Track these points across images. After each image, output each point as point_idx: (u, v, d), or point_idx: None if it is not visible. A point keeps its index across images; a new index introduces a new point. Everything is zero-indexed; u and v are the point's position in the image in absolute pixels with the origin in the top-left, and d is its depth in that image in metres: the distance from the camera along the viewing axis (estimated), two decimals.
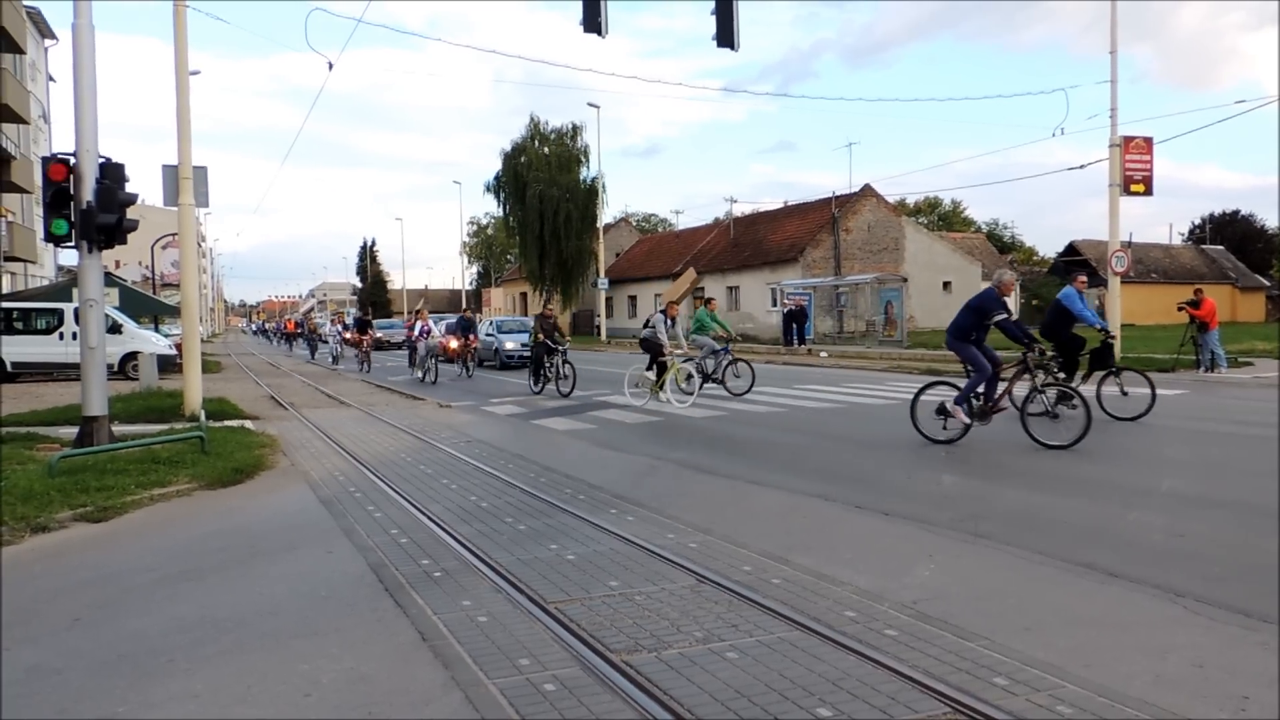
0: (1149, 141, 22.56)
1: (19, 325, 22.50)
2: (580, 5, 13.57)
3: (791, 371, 23.23)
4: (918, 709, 3.49)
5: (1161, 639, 4.22)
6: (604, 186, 51.20)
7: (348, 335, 40.51)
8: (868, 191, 43.71)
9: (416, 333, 23.17)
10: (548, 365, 17.76)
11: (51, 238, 10.03)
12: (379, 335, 42.81)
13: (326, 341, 37.71)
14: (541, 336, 17.99)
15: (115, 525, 7.22)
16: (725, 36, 13.71)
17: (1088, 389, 11.34)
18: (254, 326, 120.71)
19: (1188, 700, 3.55)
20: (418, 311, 28.19)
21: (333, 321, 39.37)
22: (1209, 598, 4.71)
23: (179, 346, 19.64)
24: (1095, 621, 4.46)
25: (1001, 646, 4.09)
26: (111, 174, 9.99)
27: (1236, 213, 66.24)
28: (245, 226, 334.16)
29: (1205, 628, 4.35)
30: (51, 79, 45.94)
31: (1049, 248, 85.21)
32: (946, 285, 45.59)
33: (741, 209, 53.80)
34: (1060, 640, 4.18)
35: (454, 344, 23.82)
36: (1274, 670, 3.80)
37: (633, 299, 56.66)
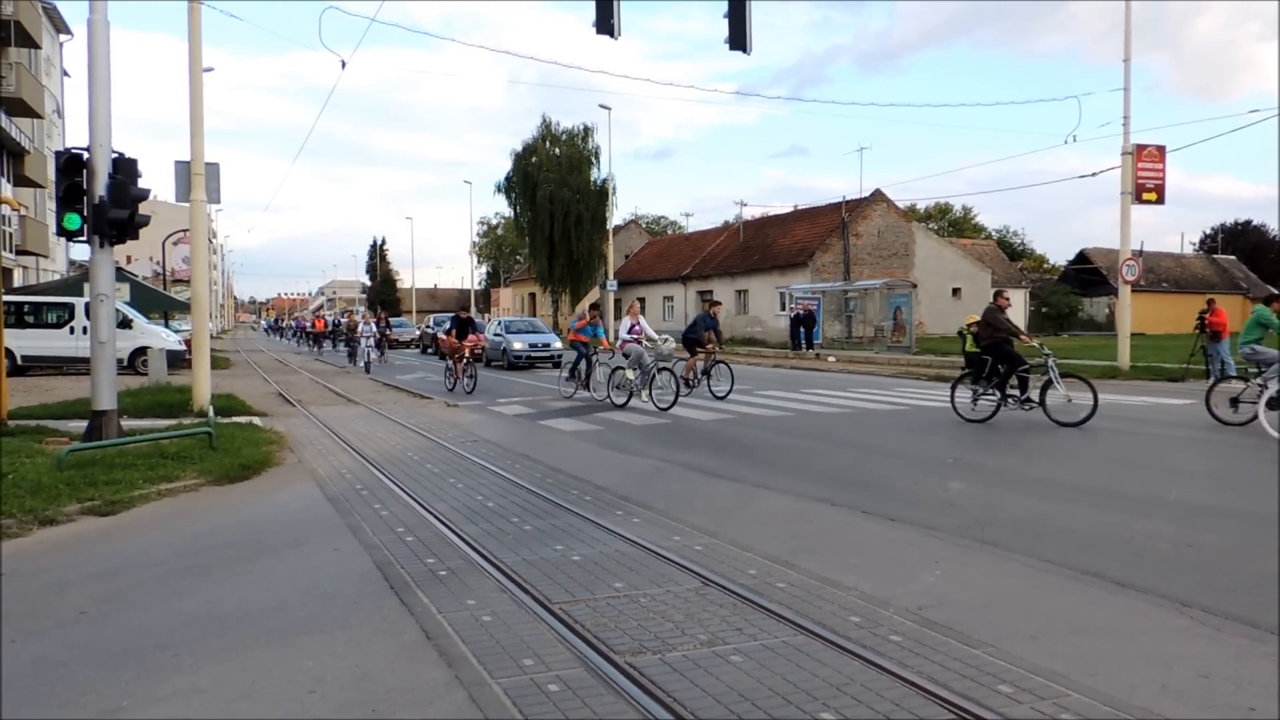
0: (1161, 150, 22.52)
1: (30, 319, 22.60)
2: (594, 6, 13.60)
3: (799, 376, 23.19)
4: (922, 715, 3.48)
5: (1168, 649, 4.20)
6: (614, 188, 51.39)
7: (406, 337, 37.46)
8: (878, 196, 43.63)
9: (625, 334, 15.80)
10: (1008, 377, 12.61)
11: (64, 232, 10.09)
12: (392, 334, 42.13)
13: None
14: (1006, 342, 12.75)
15: (123, 519, 7.26)
16: (738, 40, 13.72)
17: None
18: (266, 323, 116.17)
19: (1193, 711, 3.53)
20: (595, 307, 17.61)
21: (365, 319, 31.15)
22: (1216, 608, 4.69)
23: (189, 342, 19.76)
24: (1101, 630, 4.44)
25: (1007, 654, 4.08)
26: (124, 169, 10.04)
27: (1249, 223, 66.05)
28: (256, 223, 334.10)
29: (1212, 638, 4.33)
30: (66, 74, 46.24)
31: (1060, 255, 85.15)
32: (956, 291, 45.48)
33: (752, 212, 54.05)
34: (1066, 648, 4.17)
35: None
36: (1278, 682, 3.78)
37: (641, 301, 56.68)
